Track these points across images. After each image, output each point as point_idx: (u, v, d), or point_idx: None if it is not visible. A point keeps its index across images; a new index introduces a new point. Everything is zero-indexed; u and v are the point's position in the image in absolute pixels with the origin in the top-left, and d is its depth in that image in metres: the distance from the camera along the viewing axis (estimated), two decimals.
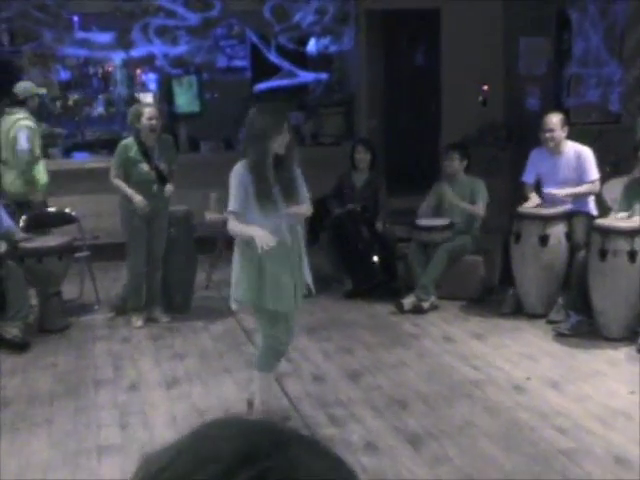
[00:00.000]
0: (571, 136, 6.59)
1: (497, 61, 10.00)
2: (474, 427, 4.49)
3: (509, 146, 9.72)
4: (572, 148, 6.55)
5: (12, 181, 7.03)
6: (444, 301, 6.83)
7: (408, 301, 6.67)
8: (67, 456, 4.35)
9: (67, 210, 7.37)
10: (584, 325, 5.92)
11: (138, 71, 9.63)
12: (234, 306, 4.58)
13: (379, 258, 7.20)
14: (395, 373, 5.37)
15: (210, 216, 7.52)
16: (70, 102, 9.62)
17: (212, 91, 10.01)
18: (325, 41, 9.57)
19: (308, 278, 4.51)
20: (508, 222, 6.69)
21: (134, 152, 6.35)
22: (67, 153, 9.14)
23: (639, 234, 5.72)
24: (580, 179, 6.50)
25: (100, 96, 9.68)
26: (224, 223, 7.44)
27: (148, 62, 9.29)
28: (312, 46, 9.75)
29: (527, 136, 8.29)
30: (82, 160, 9.03)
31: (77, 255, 6.97)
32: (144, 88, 9.63)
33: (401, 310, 6.64)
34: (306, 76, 9.82)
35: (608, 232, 5.73)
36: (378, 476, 4.02)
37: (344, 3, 9.43)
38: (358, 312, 6.79)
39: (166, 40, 9.06)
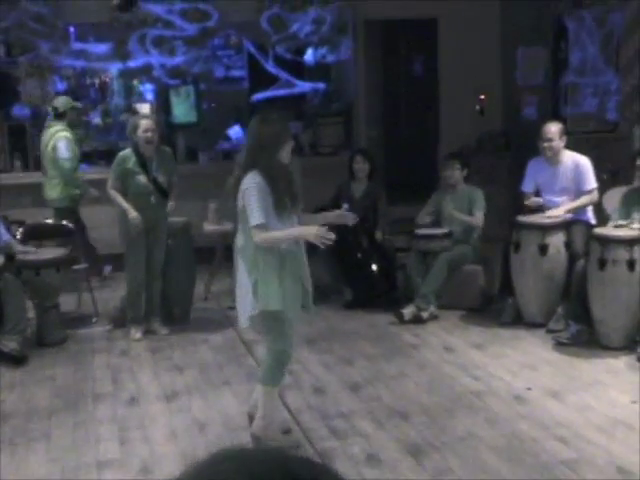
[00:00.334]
0: (568, 145, 6.60)
1: (494, 70, 10.02)
2: (475, 438, 4.47)
3: (507, 155, 9.73)
4: (570, 158, 6.55)
5: (52, 189, 7.64)
6: (444, 311, 6.81)
7: (408, 311, 6.65)
8: (66, 471, 4.31)
9: (64, 222, 7.35)
10: (584, 334, 5.91)
11: (135, 82, 9.62)
12: (246, 323, 4.40)
13: (378, 268, 7.19)
14: (396, 384, 5.35)
15: (209, 227, 7.51)
16: None
17: (209, 101, 10.01)
18: (323, 51, 9.57)
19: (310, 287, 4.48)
20: (507, 231, 6.68)
21: (132, 163, 6.34)
22: None
23: (638, 243, 5.71)
24: (578, 189, 6.51)
25: (97, 107, 9.67)
26: (223, 234, 7.53)
27: (145, 73, 9.27)
28: (310, 56, 9.75)
29: (525, 145, 8.28)
30: (80, 171, 8.99)
31: (75, 267, 6.95)
32: (141, 99, 9.62)
33: (401, 320, 6.62)
34: (304, 86, 9.82)
35: (607, 241, 5.72)
36: None
37: (341, 13, 9.44)
38: (358, 322, 6.78)
39: (163, 50, 9.05)
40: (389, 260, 7.34)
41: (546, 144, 6.47)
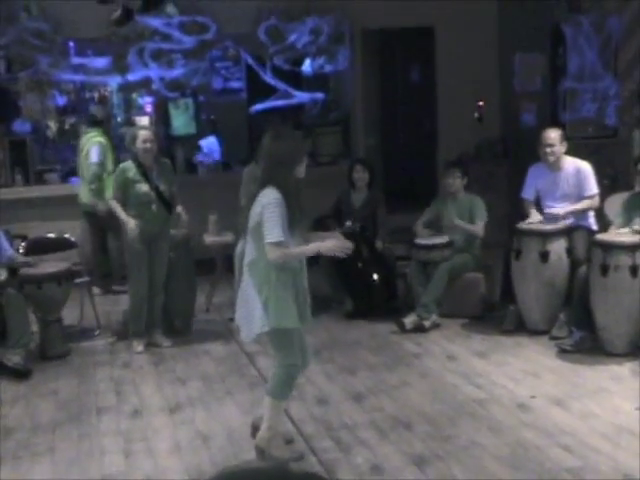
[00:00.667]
0: (568, 151, 6.59)
1: (492, 77, 10.04)
2: (479, 447, 4.47)
3: (506, 162, 9.75)
4: (572, 164, 6.55)
5: (83, 193, 8.07)
6: (445, 319, 6.81)
7: (409, 320, 6.65)
8: None
9: (66, 235, 7.37)
10: (587, 341, 5.90)
11: (134, 95, 9.64)
12: (250, 338, 4.38)
13: (379, 277, 7.19)
14: (398, 393, 5.35)
15: (209, 238, 7.51)
16: (67, 126, 9.63)
17: (208, 113, 10.03)
18: (320, 61, 9.59)
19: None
20: (508, 238, 6.68)
21: (133, 173, 6.39)
22: (64, 178, 9.13)
23: None
24: (580, 195, 6.50)
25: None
26: (223, 245, 7.53)
27: (144, 86, 9.30)
28: (307, 66, 9.77)
29: (524, 152, 8.30)
30: (79, 184, 9.00)
31: (77, 281, 6.96)
32: (140, 111, 9.65)
33: (403, 329, 6.62)
34: (302, 96, 9.85)
35: (609, 247, 5.71)
36: None
37: (338, 23, 9.47)
38: (359, 332, 6.77)
39: (162, 63, 9.09)
40: (389, 269, 7.34)
41: (548, 149, 6.47)
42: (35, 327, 6.52)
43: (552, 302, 6.33)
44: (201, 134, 9.78)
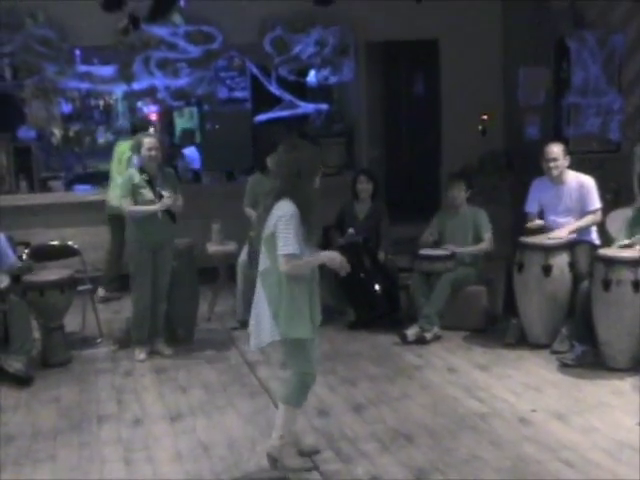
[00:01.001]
0: (571, 165, 6.61)
1: (496, 90, 10.06)
2: (480, 460, 4.46)
3: (509, 175, 9.76)
4: (575, 178, 6.57)
5: (113, 196, 7.93)
6: (447, 331, 6.81)
7: (411, 332, 6.65)
8: None
9: (70, 243, 7.38)
10: (589, 355, 5.90)
11: (139, 103, 9.69)
12: (258, 346, 4.40)
13: (381, 288, 7.19)
14: (399, 405, 5.35)
15: (212, 247, 7.53)
16: (71, 134, 9.68)
17: (213, 122, 10.07)
18: (325, 72, 9.63)
19: None
20: (511, 252, 6.68)
21: (139, 180, 6.44)
22: (68, 185, 9.16)
23: None
24: (583, 209, 6.52)
25: (101, 128, 9.74)
26: (226, 254, 7.54)
27: (149, 94, 9.35)
28: (312, 77, 9.82)
29: (527, 165, 8.31)
30: (83, 192, 9.05)
31: (79, 288, 6.97)
32: (145, 120, 9.69)
33: (404, 340, 6.62)
34: (306, 107, 9.89)
35: (611, 262, 5.72)
36: None
37: (343, 35, 9.52)
38: (361, 343, 6.77)
39: (167, 72, 9.13)
40: (392, 280, 7.34)
41: (552, 164, 6.49)
42: (37, 334, 6.52)
43: (554, 316, 6.33)
44: (181, 144, 9.94)
